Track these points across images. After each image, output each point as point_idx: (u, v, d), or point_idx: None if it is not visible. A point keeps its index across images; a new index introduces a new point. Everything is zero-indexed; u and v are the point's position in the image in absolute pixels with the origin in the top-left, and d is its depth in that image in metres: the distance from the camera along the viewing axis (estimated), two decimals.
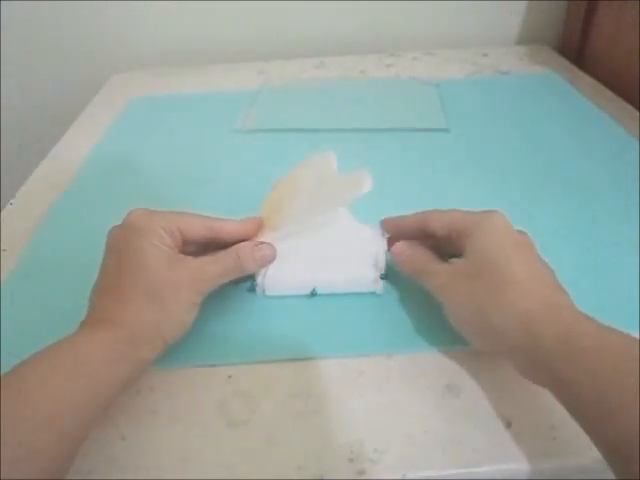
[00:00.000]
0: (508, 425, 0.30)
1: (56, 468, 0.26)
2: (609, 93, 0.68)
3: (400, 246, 0.37)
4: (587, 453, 0.29)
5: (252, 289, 0.39)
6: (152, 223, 0.33)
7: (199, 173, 0.55)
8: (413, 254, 0.36)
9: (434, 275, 0.34)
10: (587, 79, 0.72)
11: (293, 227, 0.37)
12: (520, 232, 0.33)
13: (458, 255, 0.34)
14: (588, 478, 0.29)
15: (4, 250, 0.46)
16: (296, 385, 0.33)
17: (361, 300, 0.39)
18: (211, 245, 0.36)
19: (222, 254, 0.34)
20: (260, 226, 0.37)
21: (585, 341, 0.26)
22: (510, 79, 0.74)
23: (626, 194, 0.48)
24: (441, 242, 0.36)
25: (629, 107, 0.64)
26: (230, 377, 0.34)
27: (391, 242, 0.39)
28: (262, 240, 0.36)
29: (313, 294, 0.39)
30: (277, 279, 0.39)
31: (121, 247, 0.32)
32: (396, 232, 0.38)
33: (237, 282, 0.38)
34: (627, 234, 0.43)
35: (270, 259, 0.36)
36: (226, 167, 0.57)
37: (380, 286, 0.38)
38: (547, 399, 0.31)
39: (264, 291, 0.39)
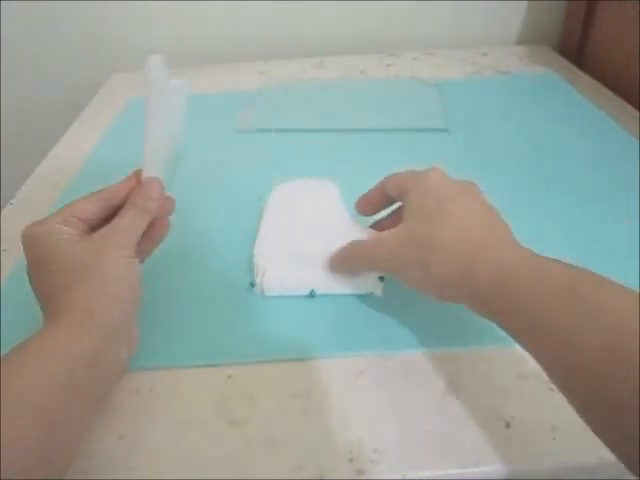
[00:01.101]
0: (508, 425, 0.30)
1: (40, 456, 0.25)
2: (609, 93, 0.68)
3: (331, 257, 0.38)
4: (587, 453, 0.29)
5: (251, 288, 0.39)
6: (45, 226, 0.33)
7: (199, 173, 0.55)
8: (341, 253, 0.38)
9: (370, 255, 0.36)
10: (587, 79, 0.72)
11: (147, 148, 0.36)
12: (462, 181, 0.35)
13: None
14: (588, 478, 0.29)
15: (4, 250, 0.46)
16: (296, 385, 0.33)
17: (361, 300, 0.39)
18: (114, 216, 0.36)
19: (122, 210, 0.35)
20: (137, 174, 0.37)
21: (515, 280, 0.28)
22: (510, 79, 0.74)
23: (626, 194, 0.48)
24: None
25: (629, 107, 0.64)
26: (230, 377, 0.34)
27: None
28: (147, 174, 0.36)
29: (312, 295, 0.39)
30: (276, 280, 0.39)
31: (32, 263, 0.33)
32: (368, 208, 0.40)
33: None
34: (627, 234, 0.43)
35: (158, 190, 0.36)
36: (226, 167, 0.57)
37: (380, 288, 0.38)
38: (547, 399, 0.32)
39: (263, 291, 0.39)
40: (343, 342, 0.36)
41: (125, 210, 0.35)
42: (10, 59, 0.83)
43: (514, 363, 0.34)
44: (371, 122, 0.63)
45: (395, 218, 0.38)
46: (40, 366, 0.27)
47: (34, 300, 0.41)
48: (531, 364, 0.33)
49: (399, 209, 0.38)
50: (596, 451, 0.29)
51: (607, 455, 0.29)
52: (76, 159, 0.59)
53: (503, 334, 0.35)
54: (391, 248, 0.34)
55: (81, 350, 0.28)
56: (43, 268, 0.32)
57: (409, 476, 0.29)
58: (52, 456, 0.26)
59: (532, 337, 0.27)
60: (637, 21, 0.63)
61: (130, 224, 0.34)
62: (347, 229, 0.40)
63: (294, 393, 0.33)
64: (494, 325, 0.36)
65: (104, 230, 0.33)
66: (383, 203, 0.39)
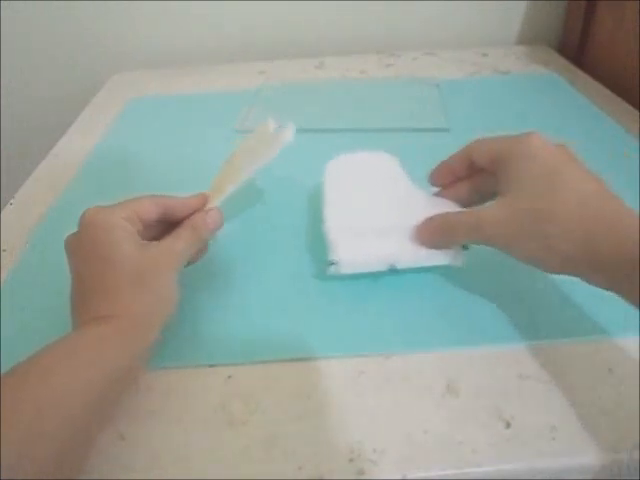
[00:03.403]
0: (508, 425, 0.30)
1: (66, 457, 0.26)
2: (609, 93, 0.67)
3: (420, 229, 0.36)
4: (587, 453, 0.29)
5: (329, 268, 0.37)
6: (112, 217, 0.33)
7: (199, 173, 0.55)
8: (437, 224, 0.36)
9: (479, 223, 0.33)
10: (587, 79, 0.72)
11: (230, 187, 0.38)
12: (559, 145, 0.33)
13: (500, 189, 0.33)
14: (588, 478, 0.29)
15: (4, 250, 0.46)
16: (296, 385, 0.33)
17: (361, 300, 0.39)
18: (162, 223, 0.36)
19: (180, 230, 0.35)
20: (205, 199, 0.38)
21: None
22: (510, 79, 0.74)
23: (626, 194, 0.48)
24: (486, 177, 0.35)
25: (629, 107, 0.64)
26: (230, 377, 0.34)
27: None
28: (212, 204, 0.38)
29: (392, 270, 0.37)
30: (354, 255, 0.36)
31: (90, 248, 0.32)
32: (448, 176, 0.38)
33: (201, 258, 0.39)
34: None
35: (220, 223, 0.37)
36: None
37: (461, 258, 0.36)
38: (547, 399, 0.32)
39: (341, 269, 0.37)
40: (343, 342, 0.36)
41: (184, 231, 0.35)
42: (10, 59, 0.83)
43: (514, 363, 0.34)
44: (371, 122, 0.63)
45: (469, 186, 0.37)
46: (78, 372, 0.27)
47: (34, 300, 0.41)
48: (531, 364, 0.34)
49: (475, 178, 0.37)
50: (596, 451, 0.29)
51: (607, 455, 0.29)
52: (76, 159, 0.59)
53: (503, 334, 0.36)
54: (504, 221, 0.32)
55: (117, 365, 0.29)
56: (98, 257, 0.32)
57: (409, 476, 0.29)
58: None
59: None
60: (637, 21, 0.63)
61: (185, 247, 0.35)
62: (422, 200, 0.38)
63: (294, 393, 0.33)
64: (494, 325, 0.36)
65: (163, 246, 0.34)
66: (466, 172, 0.37)
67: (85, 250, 0.33)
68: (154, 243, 0.34)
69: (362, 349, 0.35)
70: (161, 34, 0.84)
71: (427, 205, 0.37)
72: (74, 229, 0.48)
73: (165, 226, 0.36)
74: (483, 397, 0.32)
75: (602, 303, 0.29)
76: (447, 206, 0.37)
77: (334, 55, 0.83)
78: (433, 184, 0.39)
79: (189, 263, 0.37)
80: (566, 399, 0.32)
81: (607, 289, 0.30)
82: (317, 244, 0.41)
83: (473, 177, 0.37)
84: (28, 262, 0.45)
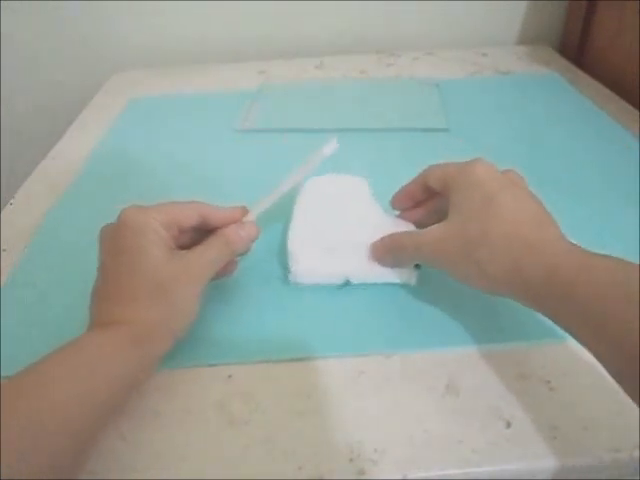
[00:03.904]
0: (508, 425, 0.30)
1: (64, 464, 0.26)
2: (609, 93, 0.68)
3: (373, 244, 0.38)
4: (587, 453, 0.29)
5: (284, 277, 0.39)
6: (149, 219, 0.33)
7: (199, 173, 0.55)
8: (385, 243, 0.38)
9: (420, 245, 0.35)
10: (587, 79, 0.72)
11: (267, 198, 0.38)
12: (506, 172, 0.35)
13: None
14: (588, 478, 0.29)
15: (4, 250, 0.46)
16: (296, 385, 0.33)
17: (361, 300, 0.39)
18: (197, 231, 0.36)
19: (212, 241, 0.35)
20: (245, 211, 0.38)
21: (565, 275, 0.28)
22: (510, 79, 0.74)
23: (626, 194, 0.48)
24: (442, 200, 0.36)
25: (629, 107, 0.64)
26: (230, 377, 0.34)
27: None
28: (249, 218, 0.37)
29: (346, 284, 0.39)
30: (311, 268, 0.39)
31: (119, 247, 0.32)
32: (407, 200, 0.40)
33: (231, 271, 0.38)
34: (627, 234, 0.43)
35: (253, 238, 0.37)
36: (226, 167, 0.57)
37: (414, 277, 0.38)
38: (547, 399, 0.32)
39: (296, 280, 0.39)
40: (343, 342, 0.36)
41: (215, 241, 0.35)
42: (10, 59, 0.83)
43: (514, 363, 0.34)
44: (371, 122, 0.63)
45: (426, 209, 0.39)
46: (81, 381, 0.27)
47: (34, 300, 0.41)
48: (531, 364, 0.34)
49: (432, 201, 0.39)
50: (596, 451, 0.29)
51: (607, 455, 0.29)
52: (76, 159, 0.59)
53: (503, 334, 0.36)
54: (440, 243, 0.34)
55: (128, 375, 0.29)
56: (124, 259, 0.32)
57: (409, 476, 0.29)
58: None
59: (585, 329, 0.27)
60: (637, 21, 0.63)
61: (214, 259, 0.34)
62: (382, 220, 0.40)
63: (294, 393, 0.33)
64: (493, 325, 0.37)
65: (191, 256, 0.33)
66: (423, 196, 0.39)
67: (114, 247, 0.33)
68: (182, 252, 0.33)
69: (362, 349, 0.35)
70: (161, 34, 0.84)
71: (385, 225, 0.40)
72: (74, 229, 0.48)
73: (199, 233, 0.36)
74: (483, 397, 0.32)
75: None
76: (404, 226, 0.39)
77: (334, 55, 0.83)
78: (394, 208, 0.41)
79: (217, 277, 0.36)
80: (566, 399, 0.32)
81: (538, 312, 0.30)
82: None
83: (430, 200, 0.39)
84: (28, 262, 0.45)
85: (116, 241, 0.33)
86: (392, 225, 0.40)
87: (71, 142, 0.64)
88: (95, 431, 0.28)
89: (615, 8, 0.69)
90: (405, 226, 0.40)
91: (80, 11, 0.80)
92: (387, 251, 0.38)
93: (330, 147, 0.37)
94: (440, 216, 0.37)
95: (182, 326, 0.33)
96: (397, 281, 0.39)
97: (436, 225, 0.35)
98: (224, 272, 0.37)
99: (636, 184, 0.49)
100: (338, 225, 0.41)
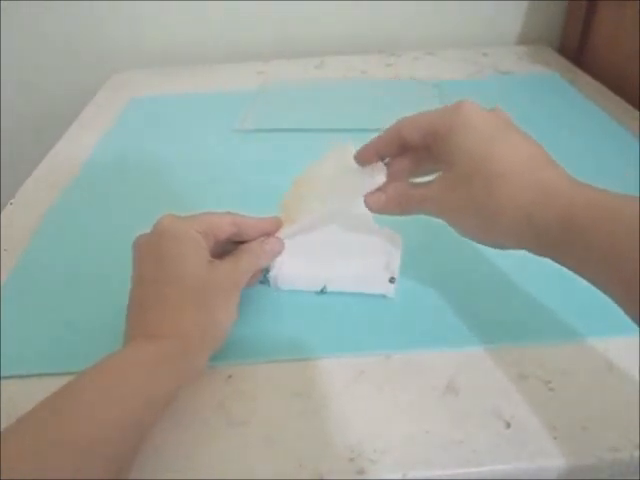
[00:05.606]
0: (508, 425, 0.30)
1: None
2: (609, 93, 0.67)
3: (372, 196, 0.36)
4: (587, 453, 0.29)
5: (265, 282, 0.39)
6: (187, 228, 0.32)
7: (199, 173, 0.55)
8: (390, 193, 0.35)
9: (424, 200, 0.34)
10: (587, 79, 0.72)
11: (308, 219, 0.38)
12: (492, 111, 0.33)
13: (439, 162, 0.33)
14: (588, 478, 0.29)
15: (4, 250, 0.46)
16: (296, 385, 0.33)
17: (361, 300, 0.39)
18: (228, 242, 0.36)
19: (241, 253, 0.35)
20: (279, 224, 0.37)
21: (582, 221, 0.27)
22: (510, 79, 0.74)
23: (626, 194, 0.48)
24: (420, 152, 0.34)
25: (629, 107, 0.64)
26: (230, 377, 0.34)
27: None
28: (280, 234, 0.37)
29: (323, 291, 0.39)
30: (290, 273, 0.39)
31: (159, 255, 0.32)
32: (374, 155, 0.36)
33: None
34: None
35: (277, 252, 0.37)
36: (226, 167, 0.57)
37: (391, 290, 0.38)
38: (547, 399, 0.32)
39: (277, 284, 0.39)
40: (343, 342, 0.36)
41: (244, 254, 0.35)
42: (10, 59, 0.83)
43: (514, 363, 0.34)
44: (371, 122, 0.63)
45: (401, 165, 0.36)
46: (118, 402, 0.27)
47: (34, 300, 0.41)
48: (531, 364, 0.34)
49: (406, 155, 0.36)
50: (596, 451, 0.29)
51: (607, 455, 0.29)
52: (76, 159, 0.59)
53: (503, 334, 0.36)
54: (444, 197, 0.32)
55: (168, 391, 0.29)
56: (165, 267, 0.32)
57: (409, 476, 0.29)
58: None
59: (601, 271, 0.27)
60: (637, 21, 0.63)
61: (247, 269, 0.34)
62: (364, 227, 0.40)
63: (294, 393, 0.33)
64: (493, 325, 0.37)
65: (227, 266, 0.33)
66: (394, 151, 0.35)
67: (154, 255, 0.32)
68: (217, 262, 0.33)
69: (362, 349, 0.35)
70: (161, 34, 0.84)
71: (368, 234, 0.40)
72: (74, 229, 0.48)
73: (229, 244, 0.36)
74: (483, 397, 0.32)
75: (602, 303, 0.29)
76: (387, 236, 0.40)
77: (334, 55, 0.83)
78: (358, 163, 0.38)
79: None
80: (566, 399, 0.32)
81: (547, 257, 0.29)
82: None
83: (405, 155, 0.36)
84: (28, 262, 0.45)
85: (155, 249, 0.32)
86: (373, 235, 0.40)
87: (71, 142, 0.64)
88: (130, 452, 0.27)
89: (615, 8, 0.69)
90: (388, 235, 0.40)
91: (81, 11, 0.80)
92: (392, 199, 0.35)
93: (383, 175, 0.35)
94: (420, 173, 0.35)
95: (221, 337, 0.33)
96: (374, 292, 0.38)
97: (438, 178, 0.33)
98: (248, 283, 0.36)
99: (636, 184, 0.49)
100: (319, 233, 0.40)
